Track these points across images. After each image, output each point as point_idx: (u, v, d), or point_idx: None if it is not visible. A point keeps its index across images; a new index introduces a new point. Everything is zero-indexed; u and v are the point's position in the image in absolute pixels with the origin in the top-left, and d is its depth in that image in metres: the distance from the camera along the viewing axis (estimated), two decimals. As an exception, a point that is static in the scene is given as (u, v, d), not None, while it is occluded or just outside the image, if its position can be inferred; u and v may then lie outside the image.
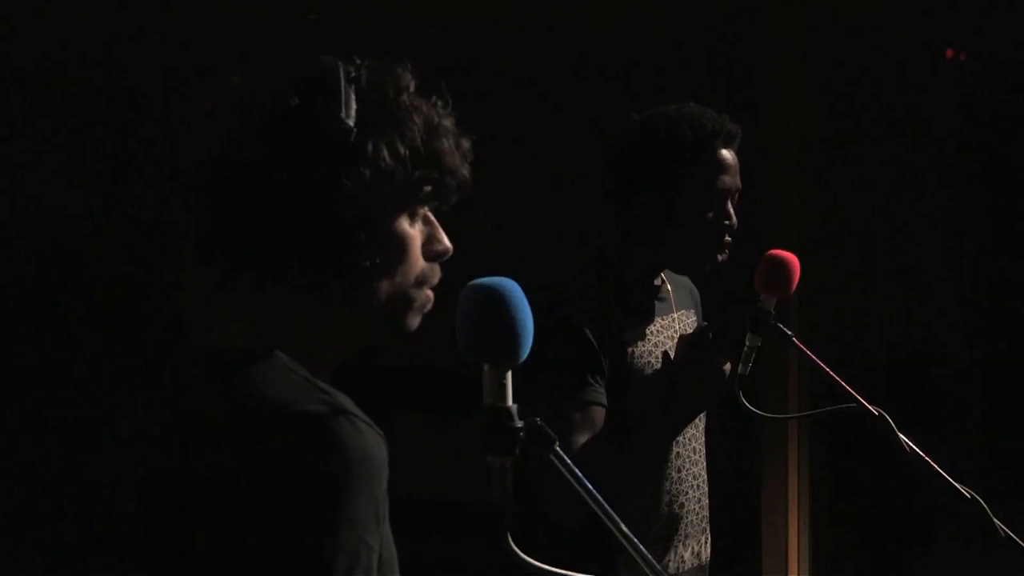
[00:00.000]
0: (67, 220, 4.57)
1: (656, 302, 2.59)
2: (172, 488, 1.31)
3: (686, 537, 2.58)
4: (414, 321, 1.44)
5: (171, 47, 4.56)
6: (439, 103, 1.42)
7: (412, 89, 1.40)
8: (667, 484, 2.56)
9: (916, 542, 4.47)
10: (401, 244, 1.39)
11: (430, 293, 1.44)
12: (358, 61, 1.41)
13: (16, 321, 4.49)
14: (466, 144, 1.43)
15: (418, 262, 1.41)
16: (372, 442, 1.28)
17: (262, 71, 1.40)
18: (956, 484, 2.20)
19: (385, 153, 1.35)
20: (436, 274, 1.44)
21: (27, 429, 4.31)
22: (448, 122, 1.42)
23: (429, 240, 1.43)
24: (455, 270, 1.52)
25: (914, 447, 2.25)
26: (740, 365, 2.48)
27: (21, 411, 4.35)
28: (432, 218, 1.43)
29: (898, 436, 2.25)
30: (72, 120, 4.63)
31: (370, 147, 1.34)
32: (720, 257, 2.54)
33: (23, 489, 4.20)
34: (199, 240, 1.39)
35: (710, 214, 2.50)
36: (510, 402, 1.46)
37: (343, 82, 1.36)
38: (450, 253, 1.44)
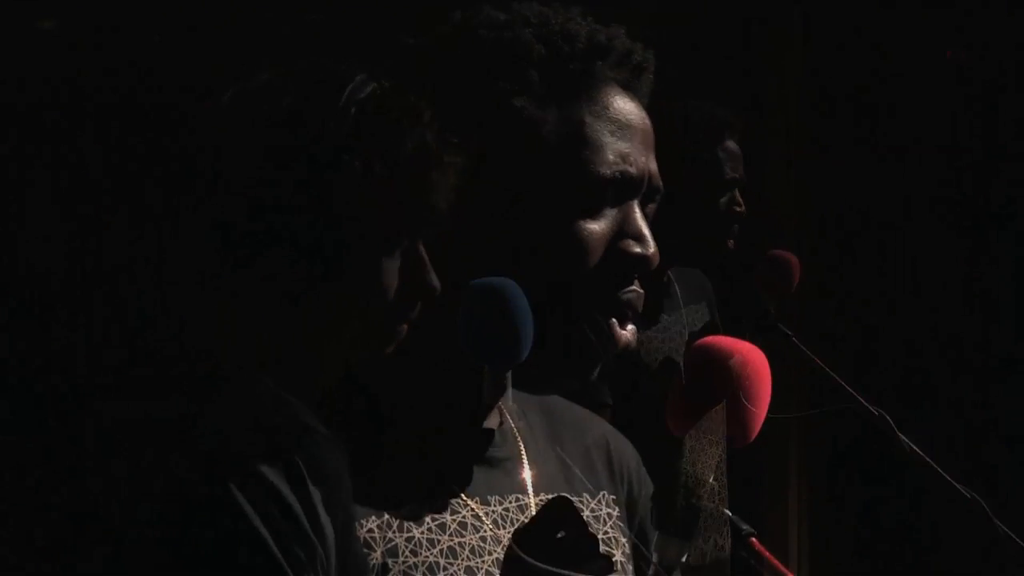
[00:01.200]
0: (67, 221, 4.57)
1: (663, 300, 2.60)
2: (129, 493, 1.29)
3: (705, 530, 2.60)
4: (383, 347, 1.37)
5: (170, 46, 4.55)
6: (452, 139, 1.36)
7: (425, 118, 1.35)
8: (683, 478, 2.57)
9: (916, 542, 4.46)
10: (368, 269, 1.33)
11: (403, 326, 1.36)
12: (382, 81, 1.36)
13: (16, 321, 4.49)
14: (454, 182, 1.36)
15: (388, 292, 1.34)
16: (328, 456, 1.24)
17: (271, 71, 1.38)
18: (956, 484, 2.20)
19: (359, 168, 1.30)
20: (412, 308, 1.37)
21: (27, 429, 4.31)
22: (451, 159, 1.36)
23: (410, 274, 1.36)
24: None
25: (914, 447, 2.25)
26: (739, 366, 2.49)
27: (20, 411, 4.34)
28: (421, 252, 1.36)
29: (898, 436, 2.25)
30: (72, 120, 4.62)
31: (345, 161, 1.30)
32: (730, 243, 2.57)
33: (22, 489, 4.20)
34: (184, 234, 1.37)
35: (721, 201, 2.53)
36: (511, 402, 1.46)
37: (346, 94, 1.32)
38: (435, 292, 1.36)
